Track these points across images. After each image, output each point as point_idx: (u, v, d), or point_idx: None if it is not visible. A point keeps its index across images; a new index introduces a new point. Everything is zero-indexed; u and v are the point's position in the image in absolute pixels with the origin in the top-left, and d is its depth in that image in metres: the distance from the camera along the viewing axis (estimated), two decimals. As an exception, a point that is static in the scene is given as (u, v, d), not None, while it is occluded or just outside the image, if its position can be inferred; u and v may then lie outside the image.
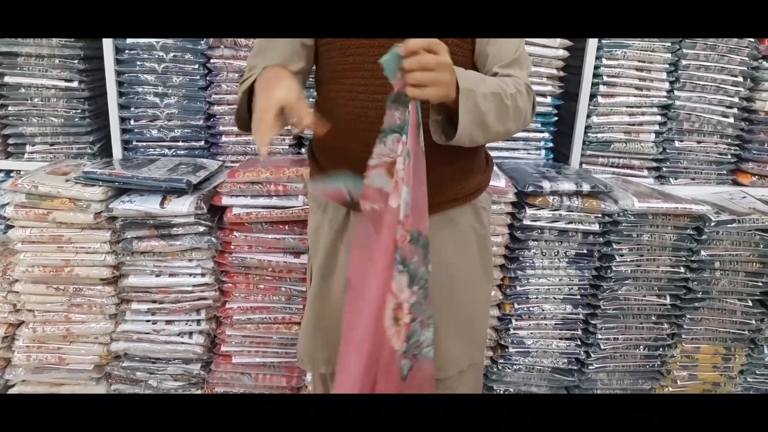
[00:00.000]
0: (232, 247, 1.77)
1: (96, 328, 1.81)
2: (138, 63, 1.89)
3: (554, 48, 1.90)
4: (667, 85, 1.96)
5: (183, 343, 1.83)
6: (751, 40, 1.93)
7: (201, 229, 1.72)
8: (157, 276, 1.77)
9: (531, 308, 1.86)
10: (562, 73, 1.96)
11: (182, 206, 1.68)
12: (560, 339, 1.91)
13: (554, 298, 1.87)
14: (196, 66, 1.90)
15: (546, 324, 1.89)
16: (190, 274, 1.78)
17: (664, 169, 2.05)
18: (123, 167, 1.80)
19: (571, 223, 1.78)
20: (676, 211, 1.78)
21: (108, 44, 1.87)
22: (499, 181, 1.75)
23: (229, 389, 1.90)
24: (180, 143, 1.99)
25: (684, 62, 1.94)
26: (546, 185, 1.74)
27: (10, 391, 1.90)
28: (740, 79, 1.96)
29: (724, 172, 2.08)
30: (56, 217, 1.70)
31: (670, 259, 1.84)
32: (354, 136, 1.13)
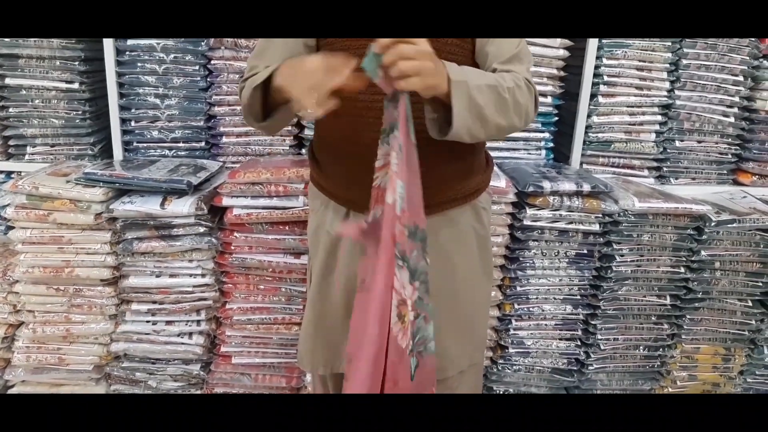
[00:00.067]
0: (233, 247, 1.77)
1: (96, 328, 1.81)
2: (139, 64, 1.89)
3: (554, 48, 1.90)
4: (667, 85, 1.96)
5: (183, 343, 1.83)
6: (752, 39, 1.93)
7: (201, 229, 1.72)
8: (158, 277, 1.77)
9: (531, 308, 1.86)
10: (562, 73, 1.96)
11: (183, 207, 1.68)
12: (560, 339, 1.91)
13: (554, 299, 1.87)
14: (197, 67, 1.90)
15: (546, 324, 1.89)
16: (191, 275, 1.78)
17: (665, 168, 2.05)
18: (123, 168, 1.81)
19: (571, 223, 1.77)
20: (677, 211, 1.77)
21: (109, 45, 1.87)
22: (499, 181, 1.74)
23: (229, 390, 1.90)
24: (180, 144, 1.99)
25: (684, 62, 1.93)
26: (546, 185, 1.74)
27: (10, 392, 1.90)
28: (741, 78, 1.96)
29: (725, 171, 2.07)
30: (57, 218, 1.70)
31: (671, 259, 1.83)
32: (354, 137, 1.13)
